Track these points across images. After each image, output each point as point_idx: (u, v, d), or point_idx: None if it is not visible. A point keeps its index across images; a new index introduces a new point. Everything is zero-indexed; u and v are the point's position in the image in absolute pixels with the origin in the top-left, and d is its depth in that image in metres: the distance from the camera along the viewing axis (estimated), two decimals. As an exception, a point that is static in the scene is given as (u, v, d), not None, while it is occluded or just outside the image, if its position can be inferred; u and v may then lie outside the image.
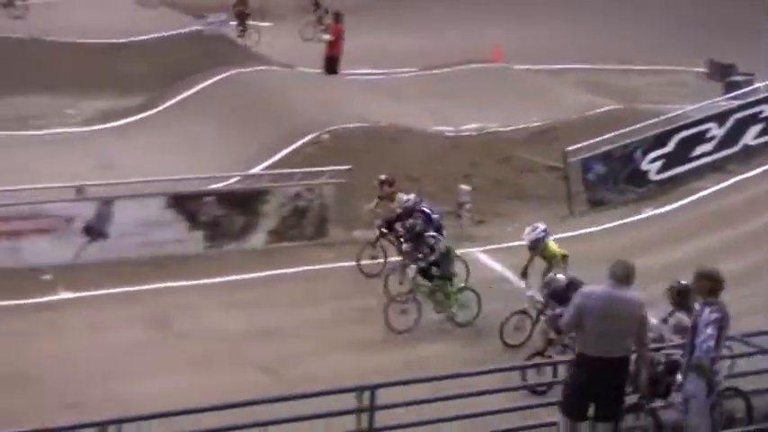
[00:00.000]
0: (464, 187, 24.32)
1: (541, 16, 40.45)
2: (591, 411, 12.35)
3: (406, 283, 19.22)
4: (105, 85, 30.95)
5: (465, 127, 27.49)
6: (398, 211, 20.43)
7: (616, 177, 25.65)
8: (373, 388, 13.60)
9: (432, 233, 19.38)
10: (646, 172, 25.92)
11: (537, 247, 18.63)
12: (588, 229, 23.80)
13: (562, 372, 15.78)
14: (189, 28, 35.20)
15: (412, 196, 20.42)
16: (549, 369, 15.84)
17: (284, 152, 25.54)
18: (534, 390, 15.60)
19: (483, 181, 25.41)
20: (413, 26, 38.41)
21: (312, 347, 18.10)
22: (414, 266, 19.04)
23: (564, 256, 18.54)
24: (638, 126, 26.21)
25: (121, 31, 34.39)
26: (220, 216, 22.24)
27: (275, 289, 20.41)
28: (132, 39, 33.86)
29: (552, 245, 18.71)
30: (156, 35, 34.29)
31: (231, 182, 23.86)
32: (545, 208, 24.72)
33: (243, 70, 31.21)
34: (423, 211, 20.15)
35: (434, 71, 32.44)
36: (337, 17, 32.45)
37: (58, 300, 19.75)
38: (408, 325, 18.72)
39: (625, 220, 24.34)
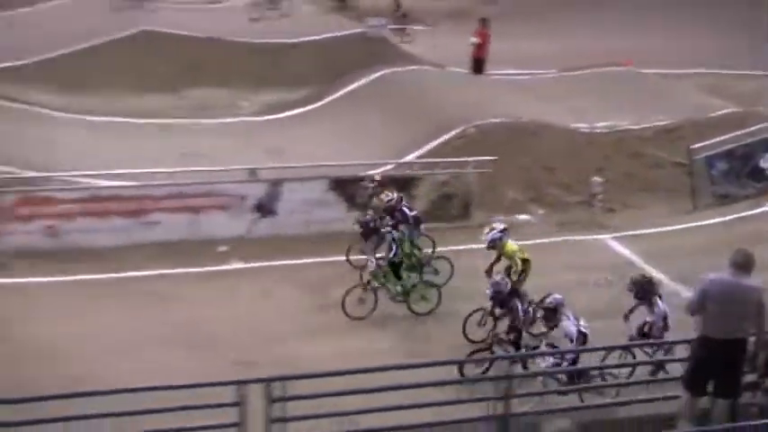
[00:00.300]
0: (596, 179, 24.10)
1: (664, 24, 39.70)
2: (710, 388, 12.23)
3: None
4: (276, 80, 31.21)
5: (599, 124, 27.16)
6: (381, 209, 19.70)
7: (738, 173, 25.16)
8: (510, 358, 13.65)
9: (388, 230, 18.78)
10: (764, 169, 25.39)
11: (495, 246, 17.74)
12: (711, 221, 23.42)
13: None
14: (352, 30, 35.31)
15: (394, 196, 19.62)
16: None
17: (434, 143, 25.45)
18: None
19: (614, 174, 25.09)
20: (553, 31, 38.07)
21: (455, 317, 18.08)
22: (373, 260, 18.58)
23: (525, 260, 17.51)
24: (758, 127, 25.75)
25: (291, 32, 34.88)
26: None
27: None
28: (301, 39, 34.09)
29: (510, 245, 17.73)
30: (322, 36, 34.46)
31: (386, 168, 23.90)
32: (671, 201, 24.46)
33: (399, 69, 31.21)
34: (402, 211, 19.45)
35: (572, 73, 32.08)
36: (484, 22, 32.38)
37: (232, 269, 20.13)
38: (364, 313, 18.18)
39: (745, 213, 23.90)
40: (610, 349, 15.22)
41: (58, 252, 20.26)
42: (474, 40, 32.15)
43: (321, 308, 18.57)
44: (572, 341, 15.02)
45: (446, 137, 25.65)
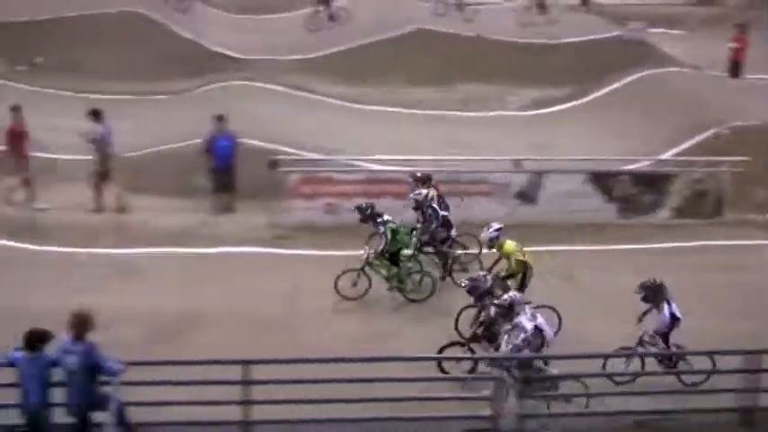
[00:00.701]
0: None
1: None
2: None
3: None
4: (540, 78, 30.88)
5: None
6: (412, 204, 18.87)
7: None
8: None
9: (382, 219, 17.90)
10: None
11: (493, 245, 16.93)
12: None
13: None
14: (611, 33, 34.68)
15: (423, 191, 18.70)
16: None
17: (689, 142, 24.75)
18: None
19: None
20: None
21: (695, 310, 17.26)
22: (369, 249, 17.89)
23: (519, 261, 16.61)
24: None
25: (554, 33, 34.56)
26: (632, 193, 21.88)
27: (672, 258, 19.69)
28: (564, 41, 33.77)
29: (509, 245, 16.77)
30: (583, 38, 33.99)
31: (642, 164, 23.38)
32: None
33: (657, 70, 30.50)
34: (432, 207, 18.58)
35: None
36: (742, 28, 31.23)
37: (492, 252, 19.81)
38: (358, 294, 17.62)
39: None
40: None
41: (335, 228, 20.56)
42: (732, 45, 31.03)
43: (571, 291, 17.95)
44: (524, 332, 14.12)
45: (701, 136, 24.94)
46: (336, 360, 13.65)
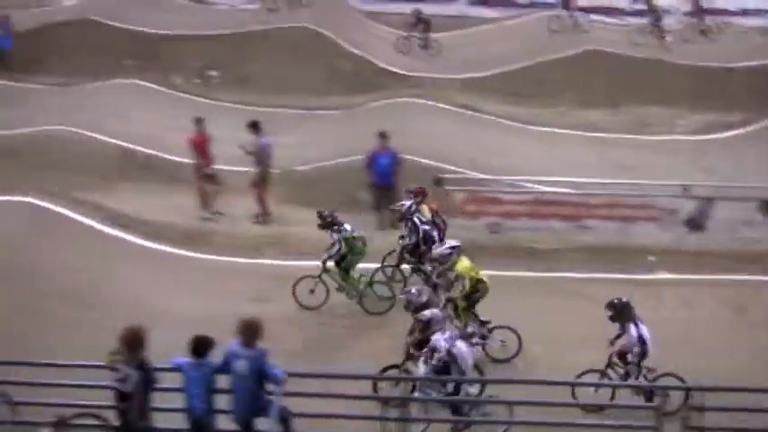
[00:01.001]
0: None
1: None
2: None
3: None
4: (711, 102, 30.35)
5: None
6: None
7: None
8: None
9: (339, 228, 17.70)
10: None
11: (445, 263, 16.44)
12: None
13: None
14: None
15: (407, 203, 18.54)
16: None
17: None
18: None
19: None
20: None
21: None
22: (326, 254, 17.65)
23: (472, 279, 16.04)
24: None
25: (727, 55, 33.88)
26: (806, 222, 21.32)
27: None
28: (739, 64, 33.06)
29: (463, 263, 16.15)
30: (760, 62, 33.17)
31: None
32: None
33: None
34: (413, 221, 18.31)
35: None
36: None
37: (658, 278, 19.57)
38: (317, 303, 17.57)
39: None
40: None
41: (497, 247, 20.54)
42: None
43: (736, 322, 17.60)
44: (439, 353, 13.73)
45: None
46: (493, 382, 13.68)
